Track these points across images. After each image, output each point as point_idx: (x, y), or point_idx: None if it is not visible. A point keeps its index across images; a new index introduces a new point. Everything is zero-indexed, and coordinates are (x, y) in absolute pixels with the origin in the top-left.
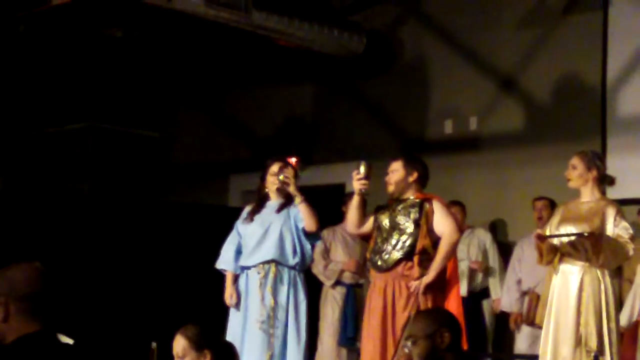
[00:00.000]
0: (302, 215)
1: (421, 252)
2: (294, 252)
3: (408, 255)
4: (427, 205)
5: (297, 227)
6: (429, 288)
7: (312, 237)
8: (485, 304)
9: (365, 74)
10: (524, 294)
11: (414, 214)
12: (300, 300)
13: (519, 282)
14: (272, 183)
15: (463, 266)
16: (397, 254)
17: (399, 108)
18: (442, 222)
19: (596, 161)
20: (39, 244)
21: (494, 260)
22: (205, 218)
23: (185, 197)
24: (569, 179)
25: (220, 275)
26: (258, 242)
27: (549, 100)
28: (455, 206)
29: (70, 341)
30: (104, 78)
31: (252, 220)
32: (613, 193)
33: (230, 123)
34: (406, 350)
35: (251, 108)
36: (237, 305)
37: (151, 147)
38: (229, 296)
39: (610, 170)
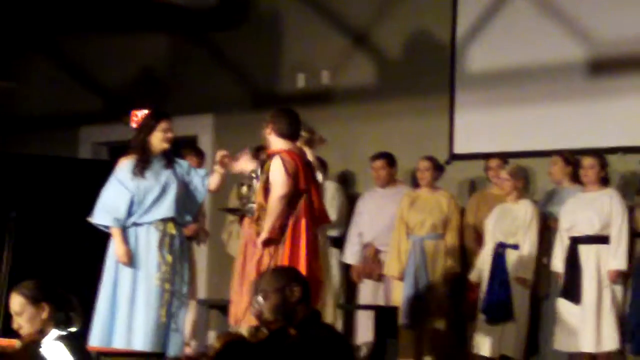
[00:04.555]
0: (217, 178)
1: (259, 209)
2: (187, 211)
3: (252, 212)
4: (268, 162)
5: (190, 188)
6: (269, 244)
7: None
8: None
9: (219, 27)
10: (365, 246)
11: (259, 171)
12: (187, 258)
13: (360, 235)
14: (161, 140)
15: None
16: (246, 211)
17: (251, 61)
18: (272, 179)
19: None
20: None
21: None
22: (55, 170)
23: (33, 148)
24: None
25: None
26: (156, 198)
27: (400, 55)
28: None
29: None
30: None
31: (143, 175)
32: (460, 148)
33: (81, 73)
34: (257, 305)
35: (104, 59)
36: (130, 262)
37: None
38: (124, 254)
39: (457, 126)
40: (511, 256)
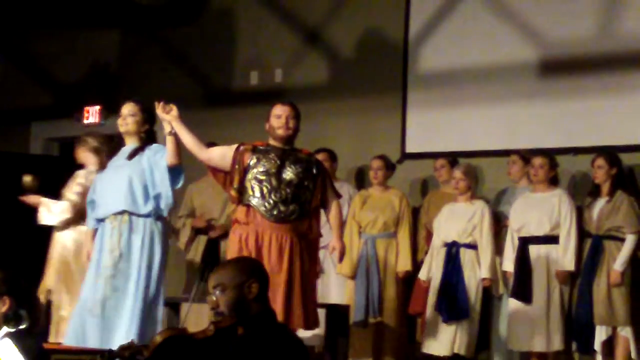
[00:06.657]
0: (167, 148)
1: (314, 210)
2: (146, 199)
3: (306, 212)
4: (320, 165)
5: (151, 171)
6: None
7: (175, 177)
8: None
9: (173, 23)
10: None
11: (315, 170)
12: (156, 251)
13: None
14: (121, 126)
15: None
16: (295, 208)
17: (205, 58)
18: (332, 187)
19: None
20: None
21: None
22: (5, 166)
23: None
24: None
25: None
26: (109, 192)
27: (353, 54)
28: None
29: None
30: None
31: (105, 168)
32: (412, 147)
33: (32, 68)
34: (214, 298)
35: (55, 53)
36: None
37: None
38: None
39: (409, 125)
40: (467, 256)
